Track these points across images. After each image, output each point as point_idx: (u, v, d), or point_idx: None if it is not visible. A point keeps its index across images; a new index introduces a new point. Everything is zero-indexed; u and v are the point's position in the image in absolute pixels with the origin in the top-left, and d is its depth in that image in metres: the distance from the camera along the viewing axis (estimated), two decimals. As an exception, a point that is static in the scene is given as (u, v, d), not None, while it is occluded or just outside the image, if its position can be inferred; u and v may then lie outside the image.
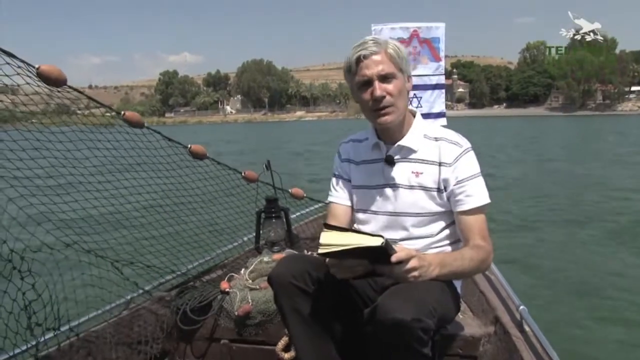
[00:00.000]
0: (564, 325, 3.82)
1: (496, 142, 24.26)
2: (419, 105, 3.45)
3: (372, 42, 1.49)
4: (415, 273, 1.30)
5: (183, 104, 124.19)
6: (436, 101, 3.37)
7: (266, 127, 71.48)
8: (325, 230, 1.26)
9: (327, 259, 1.32)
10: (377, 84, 1.47)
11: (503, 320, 1.77)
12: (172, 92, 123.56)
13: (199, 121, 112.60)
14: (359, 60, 1.49)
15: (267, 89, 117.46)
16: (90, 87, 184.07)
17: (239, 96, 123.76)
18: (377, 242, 1.22)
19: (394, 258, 1.26)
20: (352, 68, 1.51)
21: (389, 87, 1.48)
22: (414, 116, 1.63)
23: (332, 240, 1.24)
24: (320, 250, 1.25)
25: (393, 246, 1.28)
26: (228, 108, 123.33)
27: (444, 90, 3.46)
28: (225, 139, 34.46)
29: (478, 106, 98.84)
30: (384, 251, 1.24)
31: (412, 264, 1.29)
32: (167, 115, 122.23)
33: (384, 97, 1.48)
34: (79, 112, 1.86)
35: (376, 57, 1.48)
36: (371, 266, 1.33)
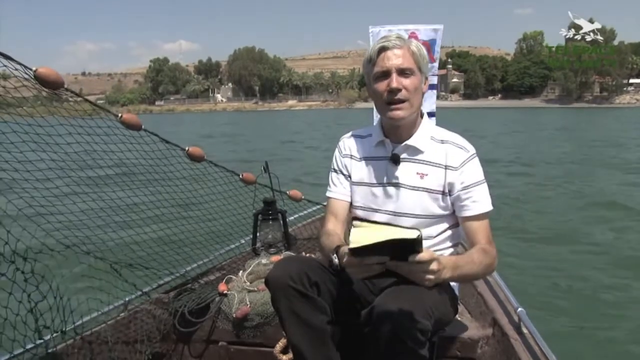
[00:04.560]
0: (562, 327, 3.82)
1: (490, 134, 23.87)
2: None
3: (396, 37, 1.51)
4: (432, 276, 1.30)
5: (174, 91, 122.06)
6: (428, 101, 3.38)
7: (253, 117, 69.53)
8: (355, 225, 1.27)
9: (346, 258, 1.32)
10: (394, 76, 1.47)
11: (501, 322, 1.78)
12: (162, 79, 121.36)
13: (187, 109, 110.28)
14: (380, 51, 1.49)
15: (258, 77, 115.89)
16: (83, 74, 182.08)
17: (230, 84, 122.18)
18: (413, 234, 1.22)
19: (417, 258, 1.25)
20: (373, 58, 1.51)
21: (406, 81, 1.48)
22: (422, 117, 1.62)
23: (363, 235, 1.23)
24: (351, 246, 1.24)
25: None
26: (219, 96, 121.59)
27: (435, 91, 3.48)
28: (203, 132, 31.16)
29: (472, 97, 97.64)
30: (413, 247, 1.23)
31: (433, 266, 1.28)
32: (157, 103, 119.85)
33: (399, 90, 1.47)
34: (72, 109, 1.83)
35: (398, 51, 1.48)
36: (390, 264, 1.31)
